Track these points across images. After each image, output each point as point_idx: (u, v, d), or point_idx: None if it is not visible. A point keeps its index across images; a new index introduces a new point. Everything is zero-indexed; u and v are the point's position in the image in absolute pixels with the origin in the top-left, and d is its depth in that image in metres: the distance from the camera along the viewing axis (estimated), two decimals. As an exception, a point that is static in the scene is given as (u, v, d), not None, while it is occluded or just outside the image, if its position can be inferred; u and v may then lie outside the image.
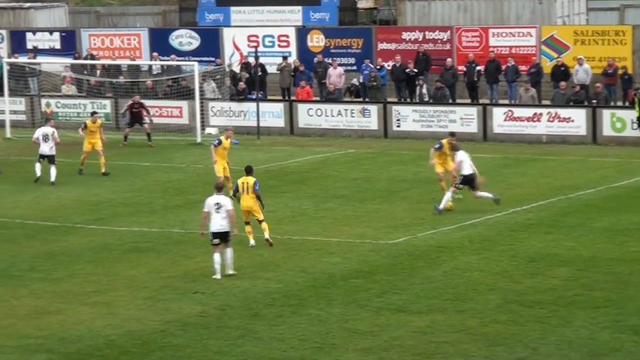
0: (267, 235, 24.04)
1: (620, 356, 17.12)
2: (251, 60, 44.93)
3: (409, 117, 40.31)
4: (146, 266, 22.88)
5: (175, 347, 17.85)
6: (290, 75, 44.89)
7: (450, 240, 24.58)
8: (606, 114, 38.25)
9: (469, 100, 42.72)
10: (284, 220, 26.97)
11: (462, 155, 27.22)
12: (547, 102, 40.83)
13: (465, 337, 17.96)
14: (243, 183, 24.00)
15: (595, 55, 42.74)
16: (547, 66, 42.79)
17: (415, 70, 43.35)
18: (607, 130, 38.10)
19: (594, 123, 38.23)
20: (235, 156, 35.79)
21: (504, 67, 42.65)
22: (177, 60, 46.52)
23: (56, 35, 50.88)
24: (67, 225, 27.02)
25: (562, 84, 40.34)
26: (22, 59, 47.80)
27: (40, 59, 48.71)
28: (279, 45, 47.46)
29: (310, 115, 41.58)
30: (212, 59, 46.81)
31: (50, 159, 32.69)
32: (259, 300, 20.24)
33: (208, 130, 41.83)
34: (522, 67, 42.81)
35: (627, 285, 20.74)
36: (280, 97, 44.79)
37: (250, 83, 43.59)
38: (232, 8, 50.46)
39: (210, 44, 48.07)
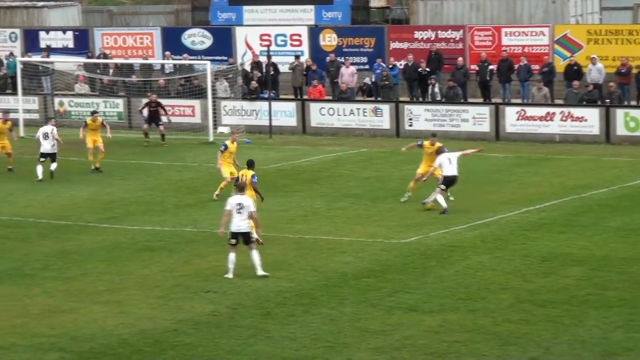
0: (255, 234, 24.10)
1: (634, 356, 17.07)
2: (262, 59, 44.94)
3: (421, 117, 40.28)
4: (158, 265, 22.91)
5: (187, 346, 17.86)
6: (302, 75, 44.89)
7: (462, 240, 24.55)
8: (620, 114, 38.16)
9: (481, 100, 42.66)
10: (296, 219, 26.97)
11: (441, 158, 27.38)
12: (560, 102, 40.75)
13: (478, 337, 17.94)
14: (242, 175, 24.35)
15: (608, 54, 42.63)
16: (560, 65, 42.71)
17: (428, 69, 43.31)
18: (620, 130, 38.01)
19: (607, 122, 38.14)
20: (247, 155, 35.67)
21: (516, 66, 42.58)
22: (190, 60, 46.57)
23: (69, 34, 51.00)
24: (79, 224, 27.07)
25: (575, 83, 40.26)
26: (36, 58, 47.93)
27: (53, 57, 48.84)
28: (292, 44, 47.48)
29: (323, 115, 41.58)
30: (225, 58, 46.85)
31: (52, 157, 33.03)
32: (271, 299, 20.24)
33: (220, 129, 41.86)
34: (535, 67, 42.73)
35: (640, 285, 20.70)
36: (292, 96, 44.81)
37: (263, 82, 43.64)
38: (245, 7, 50.47)
39: (223, 43, 48.12)
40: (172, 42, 48.91)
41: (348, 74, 43.91)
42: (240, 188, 22.05)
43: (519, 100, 42.19)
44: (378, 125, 40.81)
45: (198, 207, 28.55)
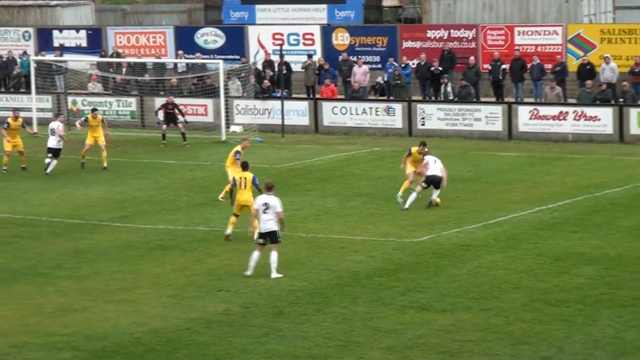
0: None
1: (647, 356, 17.04)
2: (274, 58, 44.95)
3: (434, 116, 40.24)
4: (171, 264, 22.94)
5: (200, 344, 17.88)
6: (315, 74, 44.90)
7: (475, 239, 24.52)
8: (633, 113, 38.05)
9: (494, 99, 42.60)
10: (308, 218, 26.98)
11: (428, 157, 27.86)
12: (573, 101, 40.65)
13: (490, 336, 17.92)
14: (241, 178, 24.32)
15: (622, 53, 42.52)
16: (573, 65, 42.62)
17: (440, 68, 43.27)
18: (634, 129, 37.90)
19: (620, 122, 38.04)
20: (260, 154, 35.87)
21: (529, 65, 42.50)
22: (202, 59, 46.62)
23: (82, 33, 51.10)
24: (92, 222, 27.13)
25: (589, 82, 40.15)
26: (49, 57, 48.05)
27: (66, 56, 48.94)
28: (304, 44, 47.48)
29: (335, 114, 41.58)
30: (237, 57, 46.88)
31: (55, 153, 33.68)
32: (283, 298, 20.25)
33: (233, 128, 41.90)
34: (548, 66, 42.63)
35: (653, 285, 20.64)
36: (305, 95, 44.82)
37: (275, 81, 43.65)
38: (257, 6, 50.50)
39: (236, 42, 48.15)
40: (184, 41, 48.96)
41: (360, 73, 43.90)
42: (268, 187, 21.91)
43: (531, 100, 42.10)
44: (390, 125, 40.79)
45: (210, 206, 28.58)
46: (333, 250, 23.77)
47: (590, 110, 38.52)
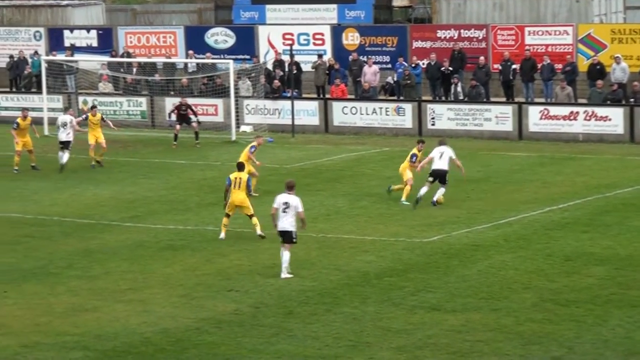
0: (259, 231, 24.38)
1: (657, 356, 17.01)
2: (285, 58, 44.96)
3: (444, 116, 40.22)
4: (181, 264, 22.98)
5: (210, 344, 17.91)
6: (325, 74, 44.91)
7: (485, 239, 24.50)
8: (644, 113, 38.00)
9: (504, 99, 42.55)
10: (318, 218, 26.99)
11: (434, 152, 28.01)
12: (583, 101, 40.59)
13: (500, 336, 17.91)
14: (236, 178, 24.45)
15: (632, 53, 42.45)
16: (584, 65, 42.55)
17: (450, 68, 43.24)
18: (645, 129, 37.86)
19: (631, 122, 37.97)
20: (270, 154, 35.88)
21: (539, 65, 42.45)
22: (213, 59, 46.66)
23: (93, 33, 51.20)
24: (103, 222, 27.19)
25: (599, 82, 40.09)
26: (60, 57, 48.17)
27: (77, 56, 49.06)
28: (314, 44, 47.50)
29: (345, 114, 41.58)
30: (248, 57, 46.92)
31: (65, 145, 34.43)
32: (293, 298, 20.27)
33: (243, 128, 41.94)
34: (558, 66, 42.58)
35: (664, 285, 20.59)
36: (315, 95, 44.82)
37: (285, 81, 43.66)
38: (268, 6, 50.55)
39: (246, 42, 48.19)
40: (195, 41, 49.02)
41: (370, 73, 43.89)
42: (289, 187, 21.80)
43: (542, 100, 42.05)
44: (400, 125, 40.77)
45: (220, 206, 28.52)
46: (343, 250, 23.78)
47: (600, 111, 38.45)
